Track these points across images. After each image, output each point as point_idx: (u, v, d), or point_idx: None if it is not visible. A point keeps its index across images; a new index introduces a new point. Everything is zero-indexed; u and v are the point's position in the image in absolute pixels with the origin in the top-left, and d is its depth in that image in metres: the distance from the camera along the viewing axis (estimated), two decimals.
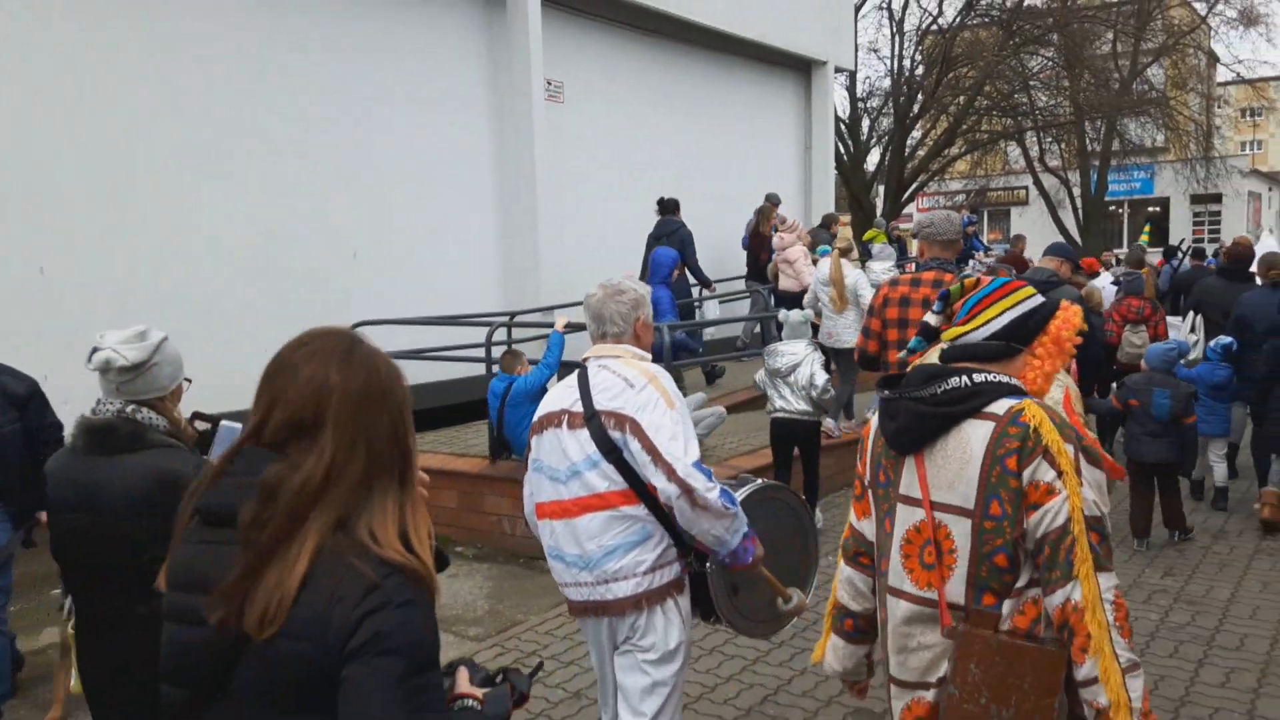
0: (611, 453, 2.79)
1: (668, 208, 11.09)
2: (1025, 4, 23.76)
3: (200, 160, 7.87)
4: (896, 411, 2.20)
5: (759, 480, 3.31)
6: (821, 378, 6.39)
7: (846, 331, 7.96)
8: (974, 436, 2.08)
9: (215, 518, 1.53)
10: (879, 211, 22.33)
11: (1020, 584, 2.08)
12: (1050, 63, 24.52)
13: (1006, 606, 2.08)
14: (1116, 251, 13.55)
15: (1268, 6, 24.62)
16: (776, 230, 10.85)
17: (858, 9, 21.21)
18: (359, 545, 1.43)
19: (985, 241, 15.59)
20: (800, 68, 15.58)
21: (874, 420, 2.34)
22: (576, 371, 2.99)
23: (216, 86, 7.98)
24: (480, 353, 8.01)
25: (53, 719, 3.88)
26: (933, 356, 2.36)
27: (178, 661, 1.55)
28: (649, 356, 3.04)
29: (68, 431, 3.09)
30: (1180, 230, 34.11)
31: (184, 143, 7.76)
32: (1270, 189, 42.43)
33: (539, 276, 10.42)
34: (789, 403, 6.51)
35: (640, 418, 2.76)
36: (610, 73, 11.96)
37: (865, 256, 11.60)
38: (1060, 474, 2.00)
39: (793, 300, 9.83)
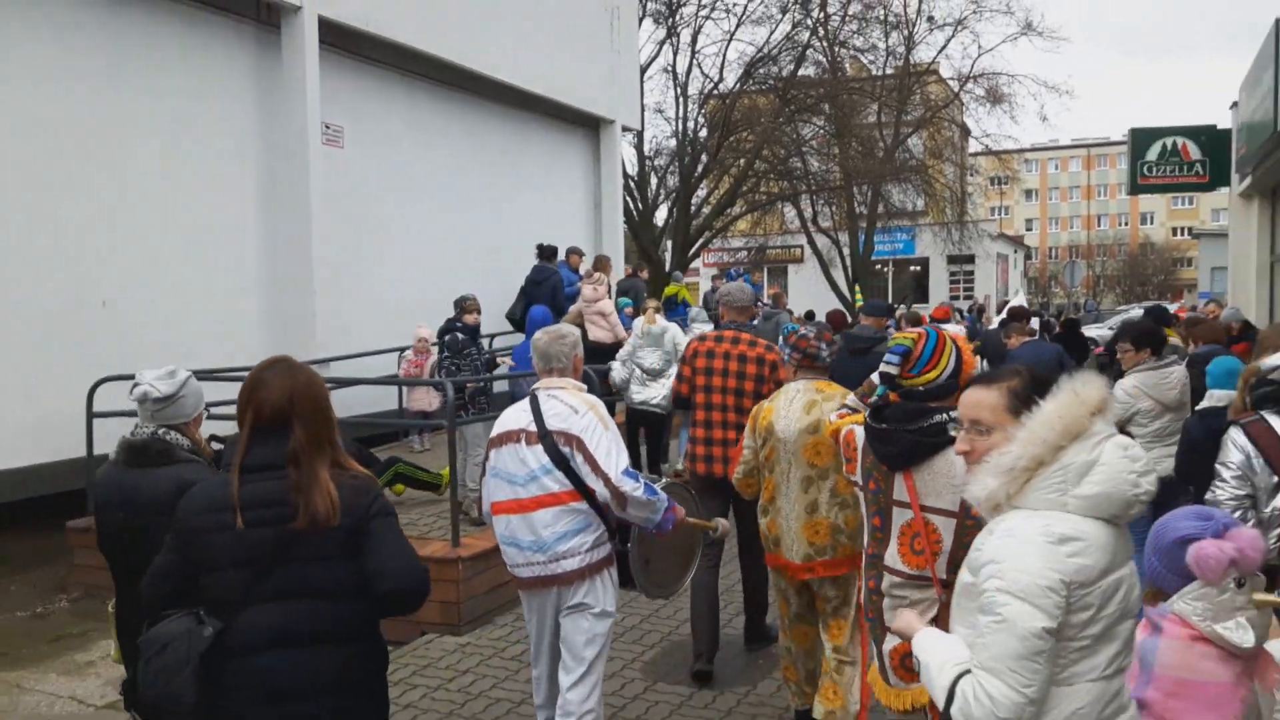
0: (561, 463, 3.59)
1: (545, 254, 11.23)
2: (799, 74, 25.23)
3: None
4: (893, 440, 3.01)
5: (663, 479, 4.22)
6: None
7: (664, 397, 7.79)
8: (958, 460, 2.74)
9: (258, 467, 2.49)
10: (667, 265, 22.88)
11: None
12: (821, 130, 26.13)
13: None
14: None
15: (1010, 88, 27.27)
16: (582, 280, 10.76)
17: (643, 70, 21.84)
18: (345, 470, 2.56)
19: (767, 298, 16.21)
20: (589, 125, 15.79)
21: (860, 438, 3.19)
22: (528, 399, 3.76)
23: None
24: None
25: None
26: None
27: (248, 553, 2.45)
28: (585, 387, 3.83)
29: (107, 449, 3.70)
30: (939, 288, 36.97)
31: None
32: (1015, 251, 46.82)
33: (313, 327, 9.88)
34: (653, 394, 7.75)
35: (585, 436, 3.58)
36: (397, 119, 11.63)
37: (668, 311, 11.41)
38: None
39: (608, 351, 9.56)
